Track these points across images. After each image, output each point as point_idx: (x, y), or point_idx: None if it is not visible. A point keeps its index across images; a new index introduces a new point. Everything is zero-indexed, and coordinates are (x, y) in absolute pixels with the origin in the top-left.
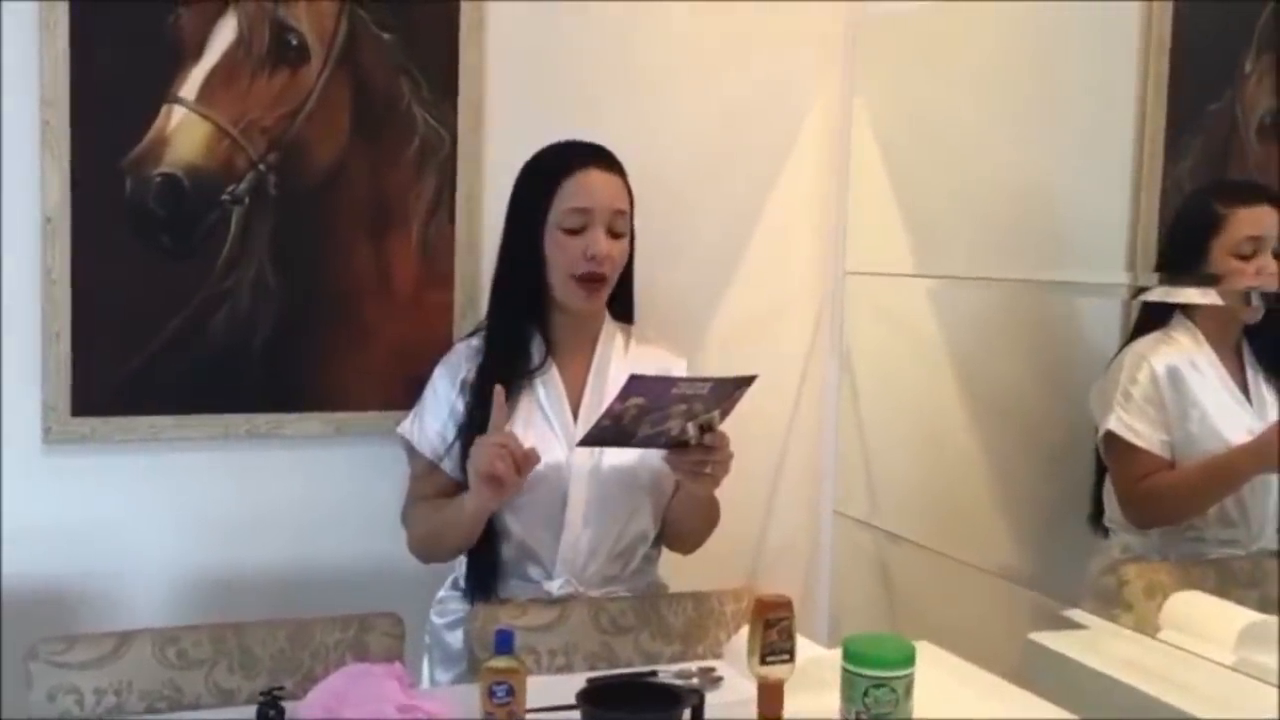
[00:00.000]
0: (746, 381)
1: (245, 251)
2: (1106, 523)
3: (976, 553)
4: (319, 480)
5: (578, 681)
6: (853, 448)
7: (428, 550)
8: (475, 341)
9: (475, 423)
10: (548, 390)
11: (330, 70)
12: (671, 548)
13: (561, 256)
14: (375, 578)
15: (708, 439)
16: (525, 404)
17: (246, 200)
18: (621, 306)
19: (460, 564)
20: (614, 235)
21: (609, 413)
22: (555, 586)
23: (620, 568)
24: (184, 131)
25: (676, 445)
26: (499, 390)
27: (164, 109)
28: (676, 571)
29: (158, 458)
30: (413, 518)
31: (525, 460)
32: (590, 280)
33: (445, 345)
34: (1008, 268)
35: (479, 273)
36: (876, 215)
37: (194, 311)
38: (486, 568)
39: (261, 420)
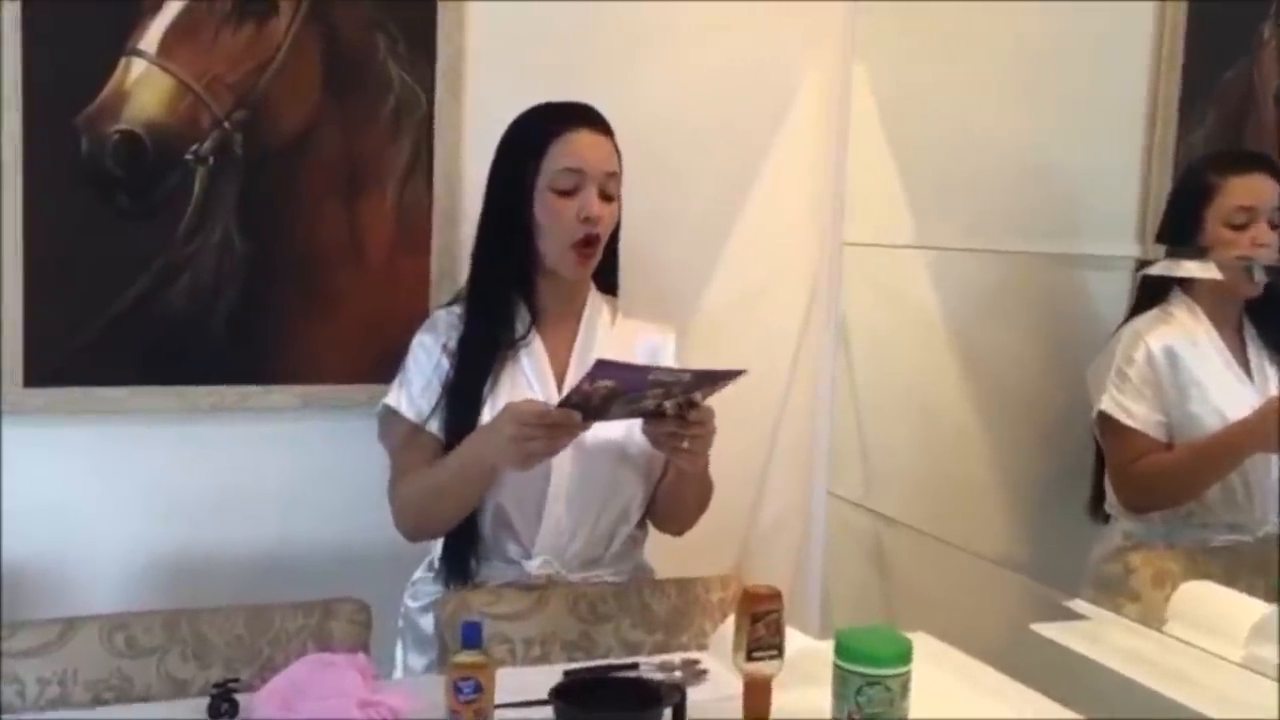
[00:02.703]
0: (732, 375)
1: (209, 214)
2: (1107, 508)
3: (975, 538)
4: (286, 456)
5: (554, 673)
6: (848, 426)
7: (422, 517)
8: (457, 309)
9: (464, 386)
10: (532, 361)
11: (299, 24)
12: (661, 528)
13: (555, 221)
14: (347, 559)
15: (691, 414)
16: (509, 374)
17: (211, 160)
18: (606, 278)
19: (436, 544)
20: (605, 198)
21: (577, 392)
22: (534, 566)
23: (603, 549)
24: (144, 86)
25: (655, 416)
26: None
27: (122, 62)
28: (662, 554)
29: (116, 431)
30: (404, 485)
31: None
32: (586, 244)
33: (420, 315)
34: (1012, 240)
35: (457, 239)
36: (876, 184)
37: (155, 277)
38: (463, 546)
39: (226, 392)
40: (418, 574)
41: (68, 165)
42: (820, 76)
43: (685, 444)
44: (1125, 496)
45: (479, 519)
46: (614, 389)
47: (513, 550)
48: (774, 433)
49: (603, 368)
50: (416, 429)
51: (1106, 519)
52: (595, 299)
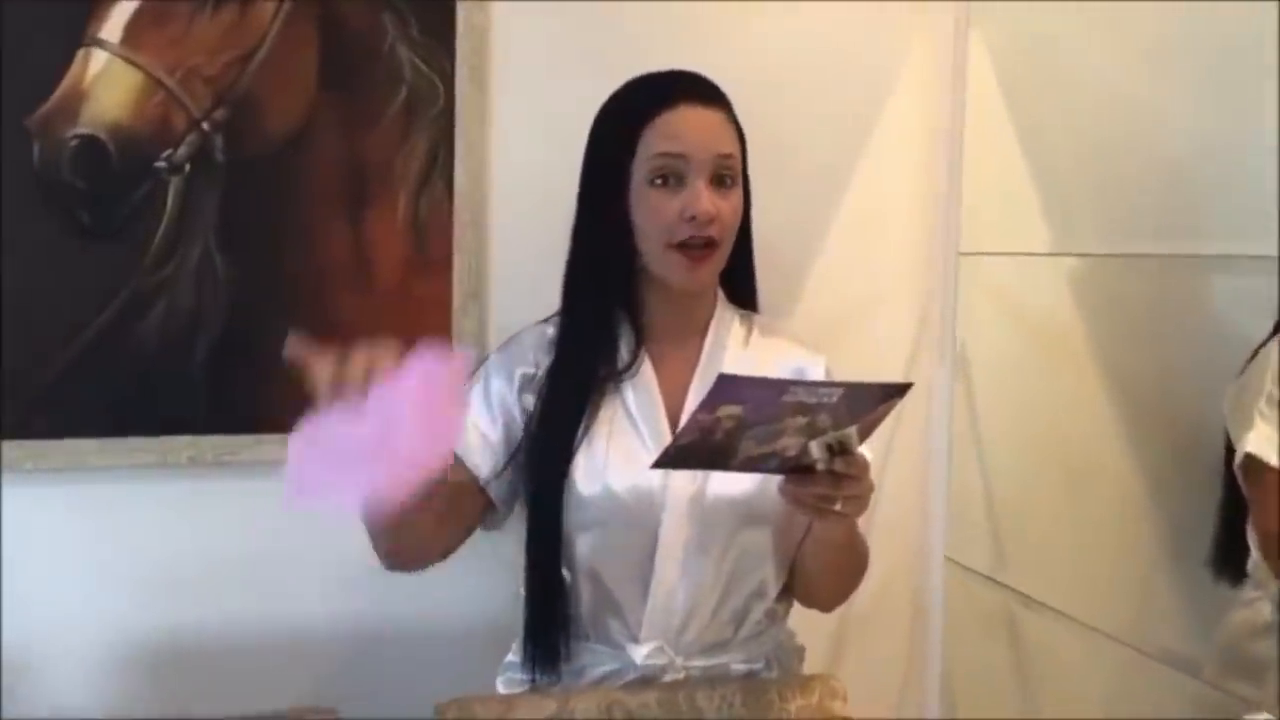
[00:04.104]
0: (898, 390)
1: (186, 232)
2: (1250, 569)
3: (1135, 624)
4: (281, 518)
5: None
6: (970, 476)
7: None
8: (550, 330)
9: (552, 429)
10: (639, 396)
11: (291, 4)
12: (804, 603)
13: (653, 221)
14: (358, 640)
15: (839, 465)
16: (608, 411)
17: (187, 168)
18: (740, 288)
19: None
20: (720, 186)
21: (694, 424)
22: (641, 654)
23: (732, 630)
24: (107, 82)
25: (795, 469)
26: None
27: (80, 53)
28: None
29: (79, 490)
30: None
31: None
32: (694, 245)
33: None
34: (1171, 244)
35: (484, 256)
36: (999, 179)
37: (123, 307)
38: (550, 625)
39: (208, 444)
40: (510, 656)
41: (18, 177)
42: (929, 47)
43: (838, 505)
44: (1275, 558)
45: (572, 592)
46: (741, 418)
47: (617, 632)
48: (878, 483)
49: (727, 385)
50: (469, 480)
51: (1239, 580)
52: (724, 314)
